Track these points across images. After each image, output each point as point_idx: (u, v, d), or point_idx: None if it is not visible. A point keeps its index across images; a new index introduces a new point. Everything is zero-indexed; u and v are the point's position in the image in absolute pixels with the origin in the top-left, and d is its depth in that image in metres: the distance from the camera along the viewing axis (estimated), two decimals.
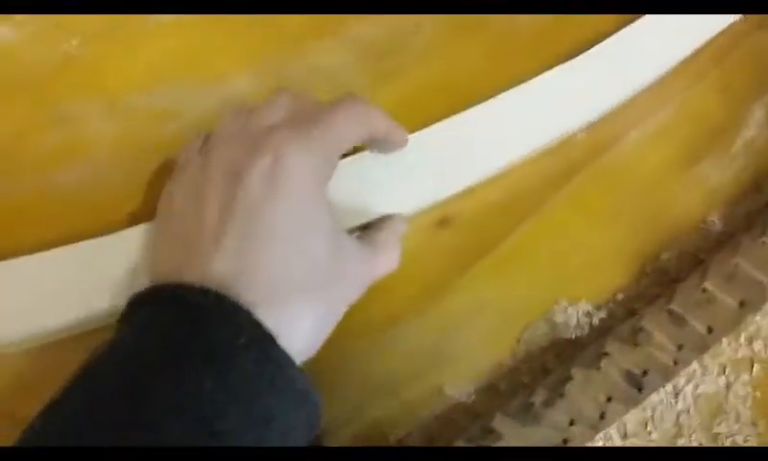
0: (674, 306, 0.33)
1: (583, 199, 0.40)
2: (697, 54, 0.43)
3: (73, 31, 0.38)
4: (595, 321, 0.37)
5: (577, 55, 0.41)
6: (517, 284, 0.38)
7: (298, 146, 0.29)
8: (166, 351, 0.26)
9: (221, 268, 0.28)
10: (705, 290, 0.33)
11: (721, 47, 0.43)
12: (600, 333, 0.36)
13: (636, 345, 0.32)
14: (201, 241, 0.29)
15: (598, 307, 0.38)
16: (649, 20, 0.42)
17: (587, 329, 0.37)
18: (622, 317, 0.37)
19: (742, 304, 0.33)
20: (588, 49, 0.41)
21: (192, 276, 0.28)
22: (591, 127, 0.41)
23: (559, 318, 0.37)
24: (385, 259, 0.33)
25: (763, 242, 0.34)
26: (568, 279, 0.38)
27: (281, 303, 0.28)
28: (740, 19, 0.43)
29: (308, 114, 0.31)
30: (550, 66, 0.40)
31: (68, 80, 0.38)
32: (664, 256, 0.39)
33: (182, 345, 0.26)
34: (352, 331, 0.32)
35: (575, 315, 0.37)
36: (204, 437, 0.24)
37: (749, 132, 0.42)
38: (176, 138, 0.37)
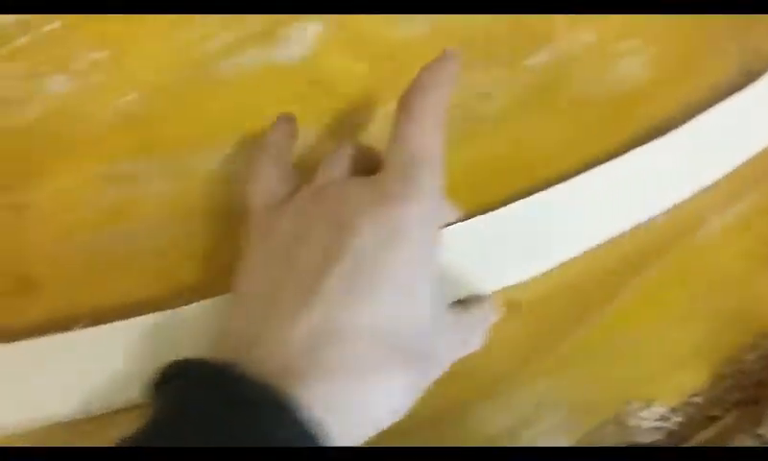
0: (762, 430, 0.30)
1: (658, 288, 0.37)
2: None
3: (132, 85, 0.36)
4: (672, 425, 0.34)
5: (655, 126, 0.39)
6: (586, 380, 0.35)
7: (411, 194, 0.27)
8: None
9: (320, 314, 0.26)
10: None
11: None
12: (678, 440, 0.34)
13: None
14: (295, 289, 0.27)
15: (674, 411, 0.35)
16: (743, 98, 0.39)
17: (663, 435, 0.34)
18: (701, 422, 0.34)
19: None
20: (666, 120, 0.39)
21: (272, 336, 0.26)
22: (670, 210, 0.38)
23: (631, 421, 0.34)
24: (472, 342, 0.31)
25: None
26: (640, 378, 0.35)
27: (378, 363, 0.26)
28: None
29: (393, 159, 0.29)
30: (627, 137, 0.38)
31: (123, 137, 0.36)
32: (747, 358, 0.36)
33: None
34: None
35: (650, 418, 0.34)
36: None
37: None
38: (232, 203, 0.35)
